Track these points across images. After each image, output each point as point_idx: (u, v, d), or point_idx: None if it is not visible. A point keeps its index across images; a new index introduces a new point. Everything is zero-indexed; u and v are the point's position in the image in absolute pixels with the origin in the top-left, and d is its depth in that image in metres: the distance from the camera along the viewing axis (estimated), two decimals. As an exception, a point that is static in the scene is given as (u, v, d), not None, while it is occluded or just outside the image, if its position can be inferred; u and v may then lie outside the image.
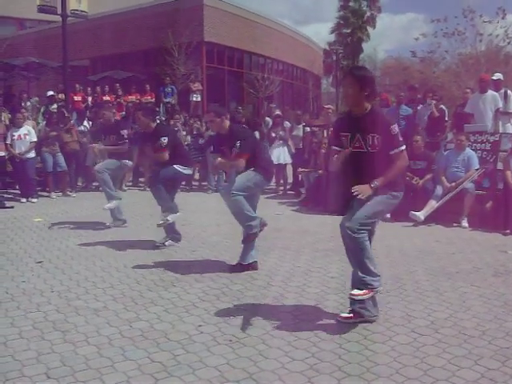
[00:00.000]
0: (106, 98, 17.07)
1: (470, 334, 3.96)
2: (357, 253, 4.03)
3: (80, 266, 5.90)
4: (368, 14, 43.68)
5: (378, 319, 4.22)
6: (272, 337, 3.93)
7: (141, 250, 6.63)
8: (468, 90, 11.10)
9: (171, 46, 20.92)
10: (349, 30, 43.28)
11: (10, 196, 11.19)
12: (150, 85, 18.59)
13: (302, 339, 3.88)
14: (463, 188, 8.20)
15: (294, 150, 12.23)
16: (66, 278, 5.47)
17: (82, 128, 12.88)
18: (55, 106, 15.09)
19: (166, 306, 4.61)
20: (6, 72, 18.31)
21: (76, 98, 16.86)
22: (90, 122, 13.27)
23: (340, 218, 4.18)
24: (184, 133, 12.95)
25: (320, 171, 10.28)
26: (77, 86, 17.46)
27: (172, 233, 6.89)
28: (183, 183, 10.91)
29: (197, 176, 12.70)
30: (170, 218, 6.65)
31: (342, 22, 43.48)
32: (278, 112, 14.12)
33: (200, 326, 4.16)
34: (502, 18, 22.30)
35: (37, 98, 17.16)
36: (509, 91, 10.19)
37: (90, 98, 17.58)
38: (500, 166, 8.53)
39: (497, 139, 8.93)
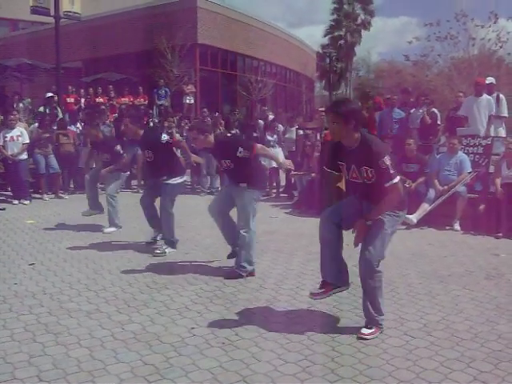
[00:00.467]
0: (99, 99, 17.02)
1: (463, 337, 3.98)
2: (374, 290, 4.02)
3: (72, 269, 5.89)
4: (362, 17, 43.83)
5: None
6: (265, 339, 3.93)
7: (134, 253, 6.61)
8: (461, 94, 11.14)
9: (164, 48, 20.90)
10: (342, 33, 43.41)
11: (1, 198, 11.15)
12: (143, 87, 18.57)
13: (294, 342, 3.88)
14: (455, 191, 8.24)
15: (287, 153, 12.22)
16: (58, 280, 5.46)
17: (73, 129, 12.87)
18: (42, 108, 15.05)
19: (158, 309, 4.60)
20: (-2, 73, 18.27)
21: (69, 100, 16.80)
22: (83, 124, 13.23)
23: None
24: (178, 135, 12.92)
25: (313, 174, 10.28)
26: (70, 87, 17.40)
27: (170, 240, 6.85)
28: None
29: (188, 178, 12.67)
30: (168, 251, 6.58)
31: (335, 24, 43.60)
32: (270, 115, 14.12)
33: (193, 328, 4.15)
34: (494, 23, 22.39)
35: (29, 100, 17.09)
36: (501, 95, 10.24)
37: (82, 100, 17.53)
38: (492, 169, 8.57)
39: (489, 143, 8.98)
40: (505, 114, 10.15)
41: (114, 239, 7.43)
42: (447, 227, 8.23)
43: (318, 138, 11.03)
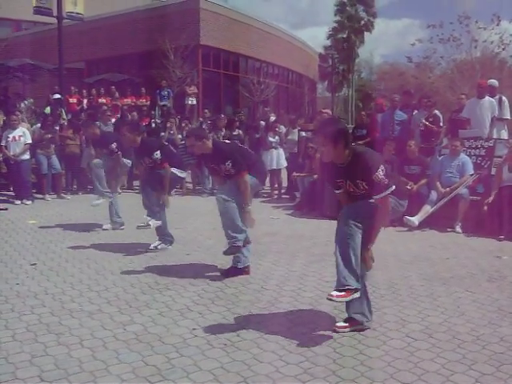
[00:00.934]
0: (102, 100, 17.05)
1: (464, 339, 3.97)
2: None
3: (74, 269, 5.89)
4: (365, 18, 43.80)
5: (373, 324, 4.22)
6: (266, 341, 3.93)
7: (136, 253, 6.62)
8: (463, 96, 11.14)
9: (167, 49, 20.93)
10: (345, 35, 43.37)
11: (4, 198, 11.17)
12: (145, 88, 18.61)
13: (296, 343, 3.88)
14: (458, 193, 8.23)
15: (288, 154, 12.23)
16: (60, 280, 5.46)
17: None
18: (48, 109, 15.08)
19: (160, 310, 4.60)
20: (0, 73, 18.24)
21: (71, 101, 16.84)
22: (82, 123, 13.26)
23: (335, 222, 4.17)
24: (179, 136, 12.94)
25: (315, 176, 10.29)
26: (72, 88, 17.43)
27: (164, 235, 6.88)
28: (177, 186, 10.94)
29: (189, 178, 12.68)
30: (152, 223, 6.63)
31: (337, 26, 43.58)
32: (272, 116, 14.11)
33: (194, 329, 4.15)
34: (497, 25, 22.45)
35: (31, 100, 17.11)
36: (503, 97, 10.25)
37: (85, 101, 17.56)
38: (494, 171, 8.56)
39: (491, 145, 8.97)
40: (507, 116, 10.15)
41: (116, 240, 7.44)
42: (449, 229, 8.22)
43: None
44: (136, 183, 12.72)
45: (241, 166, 5.47)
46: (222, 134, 12.56)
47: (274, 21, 33.44)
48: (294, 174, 11.20)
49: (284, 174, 12.53)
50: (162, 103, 18.10)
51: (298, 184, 10.92)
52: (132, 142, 6.92)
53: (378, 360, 3.63)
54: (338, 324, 4.14)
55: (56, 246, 7.00)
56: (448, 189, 8.31)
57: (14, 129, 11.04)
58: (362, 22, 43.42)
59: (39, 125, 12.43)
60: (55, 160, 11.60)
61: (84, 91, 18.14)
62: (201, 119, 15.77)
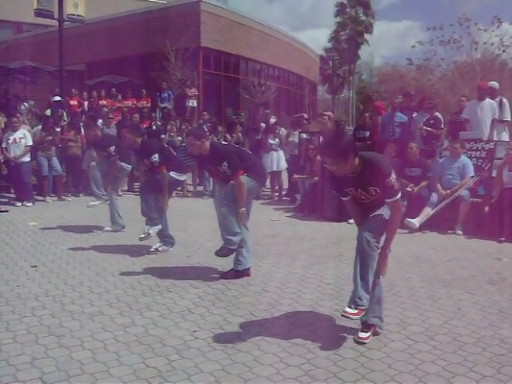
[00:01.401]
0: (103, 102, 17.06)
1: (465, 341, 3.97)
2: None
3: (75, 271, 5.90)
4: (365, 20, 43.86)
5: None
6: (267, 343, 3.93)
7: (136, 255, 6.62)
8: (463, 98, 11.14)
9: (168, 51, 20.93)
10: (345, 37, 43.42)
11: (4, 200, 11.17)
12: (146, 90, 18.63)
13: (297, 345, 3.88)
14: (458, 195, 8.23)
15: (288, 156, 12.24)
16: (61, 282, 5.46)
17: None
18: (49, 111, 15.09)
19: (161, 312, 4.60)
20: (1, 75, 18.27)
21: (72, 103, 16.86)
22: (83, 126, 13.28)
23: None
24: (179, 138, 12.95)
25: (315, 178, 10.29)
26: (73, 90, 17.45)
27: (164, 237, 6.89)
28: (178, 189, 10.95)
29: (190, 181, 12.69)
30: (152, 231, 6.65)
31: (338, 28, 43.64)
32: (273, 119, 14.12)
33: (195, 331, 4.15)
34: (498, 27, 22.43)
35: (32, 102, 17.12)
36: (504, 99, 10.25)
37: (86, 103, 17.58)
38: (495, 173, 8.56)
39: (492, 147, 8.97)
40: (508, 118, 10.15)
41: (117, 242, 7.45)
42: (450, 231, 8.22)
43: (321, 141, 11.03)
44: (137, 185, 12.76)
45: (236, 166, 5.44)
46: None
47: (274, 23, 33.66)
48: (295, 175, 11.21)
49: (285, 176, 12.54)
50: (163, 105, 18.13)
51: (299, 186, 10.92)
52: (132, 144, 6.94)
53: (379, 362, 3.63)
54: (360, 335, 4.03)
55: (57, 248, 7.00)
56: (449, 191, 8.31)
57: (15, 131, 11.04)
58: (363, 24, 43.48)
59: (40, 127, 12.43)
60: (56, 162, 11.61)
61: (85, 93, 18.17)
62: (201, 121, 15.77)
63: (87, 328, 4.20)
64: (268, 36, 28.04)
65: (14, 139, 10.95)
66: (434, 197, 8.36)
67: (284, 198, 12.17)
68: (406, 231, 8.04)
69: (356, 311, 3.85)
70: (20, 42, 26.65)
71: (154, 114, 16.93)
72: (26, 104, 16.43)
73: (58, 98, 15.52)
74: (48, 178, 11.61)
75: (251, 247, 5.84)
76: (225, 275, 5.66)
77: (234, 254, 5.62)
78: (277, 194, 12.37)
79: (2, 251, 6.82)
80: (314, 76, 37.80)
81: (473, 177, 8.45)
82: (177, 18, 22.98)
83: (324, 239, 7.71)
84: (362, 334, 4.02)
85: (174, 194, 10.48)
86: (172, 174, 6.77)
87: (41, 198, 11.50)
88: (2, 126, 12.40)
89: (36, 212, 10.03)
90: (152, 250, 6.77)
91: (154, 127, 14.58)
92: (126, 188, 12.93)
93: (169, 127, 13.40)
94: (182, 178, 7.15)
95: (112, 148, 7.95)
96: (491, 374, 3.45)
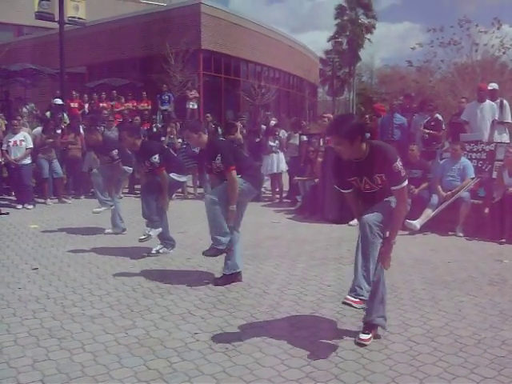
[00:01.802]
0: (103, 104, 17.08)
1: (466, 343, 3.97)
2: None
3: (76, 273, 5.90)
4: (366, 22, 43.92)
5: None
6: (268, 345, 3.93)
7: (137, 258, 6.61)
8: (463, 100, 11.15)
9: (168, 54, 20.97)
10: (345, 39, 43.49)
11: (5, 202, 11.17)
12: (146, 92, 18.66)
13: (298, 347, 3.88)
14: (459, 197, 8.23)
15: (288, 158, 12.24)
16: (61, 284, 5.46)
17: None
18: (49, 113, 15.11)
19: (162, 314, 4.60)
20: (2, 78, 18.30)
21: (73, 105, 16.87)
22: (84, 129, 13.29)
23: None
24: (179, 140, 12.95)
25: (316, 180, 10.30)
26: (74, 92, 17.48)
27: (165, 240, 6.89)
28: (179, 190, 10.96)
29: (190, 183, 12.68)
30: (152, 233, 6.65)
31: (338, 30, 43.71)
32: (273, 121, 14.12)
33: (196, 333, 4.15)
34: (498, 29, 22.41)
35: (33, 105, 17.16)
36: (504, 101, 10.25)
37: (86, 105, 17.61)
38: (495, 175, 8.57)
39: (492, 149, 8.97)
40: (508, 119, 10.15)
41: (118, 244, 7.45)
42: (450, 233, 8.23)
43: (322, 143, 11.04)
44: (137, 187, 12.76)
45: (229, 161, 5.37)
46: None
47: (274, 25, 33.63)
48: (296, 177, 11.22)
49: (285, 178, 12.54)
50: (163, 107, 18.16)
51: (300, 188, 10.93)
52: (132, 146, 6.94)
53: (380, 364, 3.63)
54: (362, 337, 4.01)
55: (58, 251, 7.00)
56: (449, 192, 8.31)
57: (16, 133, 11.06)
58: (363, 26, 43.54)
59: (40, 129, 12.43)
60: (57, 164, 11.62)
61: (85, 96, 18.19)
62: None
63: (88, 330, 4.20)
64: (268, 38, 28.10)
65: (15, 142, 10.97)
66: (435, 198, 8.36)
67: (285, 200, 12.17)
68: (407, 233, 8.03)
69: (357, 300, 3.75)
70: (21, 45, 26.73)
71: (154, 117, 16.95)
72: (27, 107, 16.48)
73: (59, 102, 15.53)
74: (48, 180, 11.62)
75: (242, 251, 5.79)
76: (216, 281, 5.59)
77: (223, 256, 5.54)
78: (277, 196, 12.36)
79: (3, 254, 6.82)
80: (315, 78, 37.85)
81: (473, 178, 8.45)
82: (177, 21, 23.04)
83: (325, 241, 7.71)
84: (363, 336, 4.01)
85: (174, 196, 10.51)
86: (172, 175, 6.77)
87: (41, 200, 11.50)
88: (3, 128, 12.41)
89: (37, 214, 10.03)
90: (153, 252, 6.77)
91: (155, 129, 14.60)
92: (126, 190, 12.92)
93: (169, 129, 13.40)
94: (182, 179, 7.15)
95: (115, 152, 7.94)
96: (492, 376, 3.45)
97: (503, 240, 7.64)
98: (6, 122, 12.75)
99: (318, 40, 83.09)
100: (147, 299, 5.01)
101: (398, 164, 3.78)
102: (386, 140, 10.26)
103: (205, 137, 5.65)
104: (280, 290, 5.31)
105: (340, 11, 44.06)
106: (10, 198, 11.69)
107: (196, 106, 19.57)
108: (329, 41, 44.45)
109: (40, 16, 16.93)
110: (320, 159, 10.28)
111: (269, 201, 12.15)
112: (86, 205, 10.70)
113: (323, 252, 7.01)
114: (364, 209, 4.05)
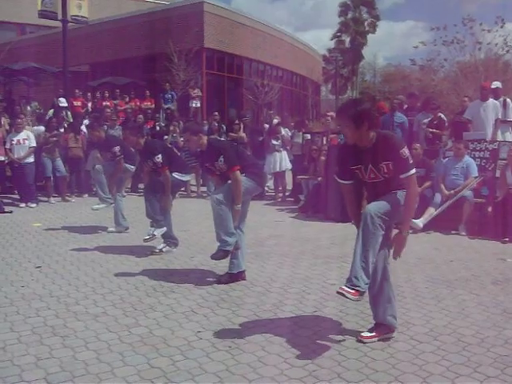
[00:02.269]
0: (106, 103, 17.10)
1: (469, 342, 3.97)
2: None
3: (79, 272, 5.91)
4: (368, 20, 43.88)
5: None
6: (271, 343, 3.94)
7: (140, 256, 6.63)
8: (466, 99, 11.13)
9: (171, 52, 20.97)
10: (348, 38, 43.45)
11: (8, 201, 11.20)
12: (149, 91, 18.67)
13: (301, 346, 3.88)
14: (462, 196, 8.22)
15: (292, 157, 12.23)
16: (65, 283, 5.48)
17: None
18: (51, 111, 15.12)
19: (165, 312, 4.61)
20: (5, 77, 18.33)
21: (76, 104, 16.88)
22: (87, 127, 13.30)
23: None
24: (182, 138, 12.95)
25: (319, 178, 10.29)
26: (77, 91, 17.49)
27: (168, 238, 6.89)
28: (182, 189, 10.96)
29: (193, 182, 12.69)
30: (157, 232, 6.66)
31: (341, 28, 43.69)
32: (276, 119, 14.11)
33: (199, 332, 4.16)
34: (501, 27, 22.33)
35: (36, 103, 17.18)
36: (508, 99, 10.23)
37: (89, 104, 17.62)
38: (499, 174, 8.55)
39: (496, 147, 8.96)
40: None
41: (121, 243, 7.46)
42: (453, 232, 8.22)
43: (325, 142, 11.04)
44: (140, 186, 12.77)
45: (232, 161, 5.38)
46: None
47: (277, 23, 33.59)
48: (298, 176, 11.21)
49: (289, 177, 12.53)
50: (166, 106, 18.16)
51: (303, 186, 10.92)
52: (136, 145, 6.94)
53: (383, 362, 3.63)
54: (363, 334, 4.02)
55: (61, 249, 7.02)
56: (452, 191, 8.29)
57: (19, 132, 11.07)
58: (366, 24, 43.51)
59: (41, 127, 12.44)
60: (60, 163, 11.62)
61: (88, 94, 18.21)
62: (205, 122, 15.77)
63: (91, 328, 4.21)
64: (271, 37, 28.07)
65: (18, 140, 10.99)
66: (438, 197, 8.35)
67: (288, 199, 12.16)
68: (410, 231, 8.01)
69: (352, 291, 3.68)
70: (24, 44, 26.74)
71: (157, 115, 16.96)
72: (31, 105, 16.49)
73: (63, 104, 15.52)
74: (52, 179, 11.63)
75: (245, 250, 5.79)
76: (220, 279, 5.60)
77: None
78: (280, 194, 12.36)
79: (7, 252, 6.84)
80: (318, 76, 37.80)
81: (476, 177, 8.44)
82: (180, 19, 23.04)
83: (328, 240, 7.71)
84: (365, 334, 4.02)
85: (177, 195, 10.50)
86: (175, 174, 6.77)
87: (44, 198, 11.52)
88: (7, 127, 12.43)
89: (40, 213, 10.05)
90: (156, 250, 6.78)
91: (158, 128, 14.60)
92: (129, 185, 12.92)
93: (172, 128, 13.40)
94: (185, 178, 7.15)
95: (117, 148, 7.94)
96: (495, 375, 3.45)
97: (506, 239, 7.62)
98: (9, 121, 12.75)
99: (320, 38, 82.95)
100: (150, 297, 5.02)
101: (405, 150, 3.75)
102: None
103: (204, 138, 5.64)
104: (283, 289, 5.31)
105: (344, 9, 44.03)
106: (13, 196, 11.72)
107: (199, 105, 19.58)
108: (332, 39, 44.46)
109: (43, 15, 16.94)
110: (323, 158, 10.27)
111: (272, 199, 12.14)
112: (89, 203, 10.70)
113: (326, 251, 7.01)
114: (369, 199, 4.01)
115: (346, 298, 3.69)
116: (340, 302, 4.78)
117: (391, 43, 76.11)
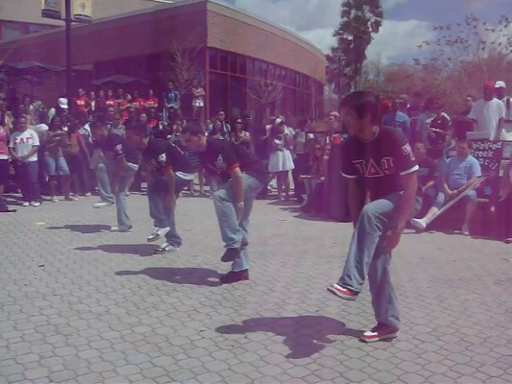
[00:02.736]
0: (109, 102, 17.11)
1: (472, 342, 3.96)
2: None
3: (82, 270, 5.92)
4: (372, 20, 43.81)
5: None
6: (274, 342, 3.94)
7: (143, 255, 6.64)
8: (469, 98, 11.12)
9: (174, 51, 20.97)
10: (351, 37, 43.40)
11: (12, 200, 11.22)
12: (153, 90, 18.67)
13: (303, 345, 3.88)
14: (465, 195, 8.21)
15: (295, 156, 12.23)
16: (68, 281, 5.49)
17: (82, 131, 13.03)
18: (53, 110, 15.14)
19: (168, 311, 4.62)
20: (9, 76, 18.35)
21: (79, 103, 16.90)
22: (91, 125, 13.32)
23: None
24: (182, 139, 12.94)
25: (322, 177, 10.29)
26: (80, 90, 17.51)
27: (171, 237, 6.90)
28: (185, 188, 10.96)
29: (196, 181, 12.70)
30: (161, 232, 6.66)
31: (344, 27, 43.64)
32: (278, 118, 14.11)
33: (202, 330, 4.16)
34: (505, 26, 22.31)
35: (40, 102, 17.20)
36: (511, 99, 10.21)
37: (93, 103, 17.64)
38: (502, 173, 8.54)
39: (499, 147, 8.95)
40: (515, 117, 10.12)
41: (124, 241, 7.47)
42: (456, 231, 8.21)
43: (328, 141, 11.03)
44: (144, 185, 12.79)
45: (231, 159, 5.37)
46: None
47: (280, 23, 33.53)
48: (301, 176, 11.21)
49: (291, 176, 12.53)
50: (170, 105, 18.15)
51: (306, 186, 10.92)
52: (139, 144, 6.94)
53: (385, 362, 3.63)
54: (365, 334, 4.02)
55: (64, 248, 7.03)
56: (455, 191, 8.29)
57: (22, 131, 11.09)
58: (369, 23, 43.45)
59: (43, 126, 12.45)
60: (63, 162, 11.64)
61: (92, 93, 18.23)
62: (208, 121, 15.79)
63: (94, 327, 4.22)
64: (274, 36, 28.03)
65: (22, 139, 11.00)
66: (441, 197, 8.34)
67: (290, 198, 12.17)
68: (413, 231, 8.02)
69: (343, 289, 3.64)
70: (27, 43, 26.74)
71: (160, 114, 16.97)
72: (34, 104, 16.51)
73: (64, 106, 15.54)
74: (55, 177, 11.65)
75: (248, 250, 5.77)
76: (222, 279, 5.60)
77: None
78: (283, 193, 12.36)
79: (10, 250, 6.86)
80: (321, 76, 37.76)
81: (480, 177, 8.43)
82: (183, 18, 23.02)
83: (330, 239, 7.71)
84: (367, 333, 4.02)
85: (180, 194, 10.52)
86: (179, 173, 6.77)
87: (48, 197, 11.54)
88: (10, 126, 12.45)
89: (43, 212, 10.07)
90: (159, 249, 6.79)
91: (161, 127, 14.61)
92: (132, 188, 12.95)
93: (175, 127, 13.41)
94: (188, 177, 7.16)
95: (119, 146, 7.95)
96: (498, 375, 3.44)
97: (509, 239, 7.61)
98: (12, 120, 12.77)
99: (324, 38, 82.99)
100: (153, 296, 5.02)
101: (407, 147, 3.74)
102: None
103: (204, 139, 5.65)
104: (286, 288, 5.31)
105: (347, 9, 43.98)
106: (16, 195, 11.74)
107: (202, 104, 19.55)
108: (334, 35, 44.37)
109: (47, 14, 16.92)
110: (326, 157, 10.27)
111: (275, 199, 12.15)
112: (92, 202, 10.71)
113: (329, 250, 7.01)
114: (370, 195, 3.99)
115: (337, 295, 3.67)
116: (343, 302, 4.77)
117: (394, 42, 76.11)
